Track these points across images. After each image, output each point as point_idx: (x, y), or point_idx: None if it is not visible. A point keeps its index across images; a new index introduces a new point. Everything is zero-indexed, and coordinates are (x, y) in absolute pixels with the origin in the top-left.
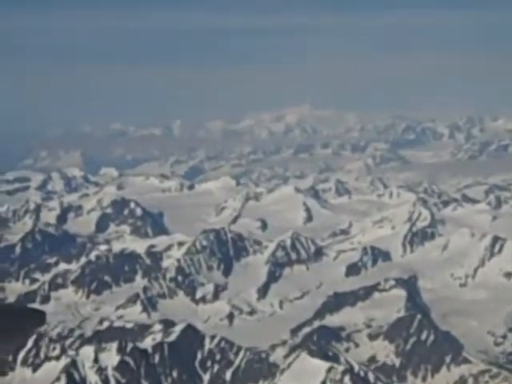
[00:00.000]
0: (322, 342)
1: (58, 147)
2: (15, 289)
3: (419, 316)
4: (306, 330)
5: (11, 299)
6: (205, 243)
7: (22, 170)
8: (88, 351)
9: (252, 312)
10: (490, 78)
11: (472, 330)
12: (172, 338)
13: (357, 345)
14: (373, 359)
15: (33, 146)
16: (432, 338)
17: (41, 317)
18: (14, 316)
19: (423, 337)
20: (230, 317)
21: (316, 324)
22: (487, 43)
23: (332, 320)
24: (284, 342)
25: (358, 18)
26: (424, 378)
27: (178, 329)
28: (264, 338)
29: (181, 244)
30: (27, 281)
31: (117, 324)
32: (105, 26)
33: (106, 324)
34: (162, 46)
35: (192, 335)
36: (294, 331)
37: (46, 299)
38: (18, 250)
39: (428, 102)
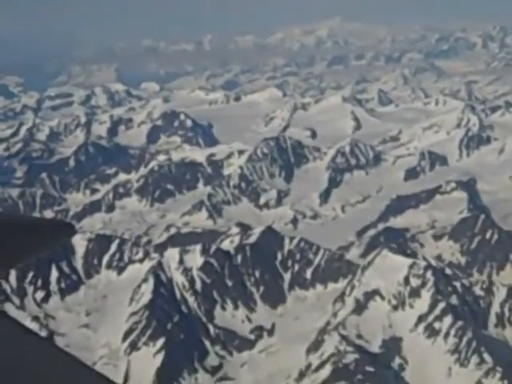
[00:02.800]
0: (389, 242)
1: (91, 64)
2: (76, 199)
3: (483, 216)
4: (371, 232)
5: (74, 210)
6: (266, 151)
7: (56, 87)
8: (173, 253)
9: (315, 216)
10: None
11: None
12: (252, 239)
13: (422, 245)
14: (439, 258)
15: (65, 63)
16: (496, 237)
17: (70, 229)
18: (42, 229)
19: (487, 236)
20: (294, 221)
21: (380, 226)
22: None
23: (396, 222)
24: (351, 244)
25: None
26: (489, 275)
27: (257, 231)
28: (331, 240)
29: (241, 152)
30: (87, 191)
31: (184, 230)
32: None
33: (172, 230)
34: None
35: (271, 236)
36: (360, 233)
37: (110, 208)
38: (71, 162)
39: (456, 12)
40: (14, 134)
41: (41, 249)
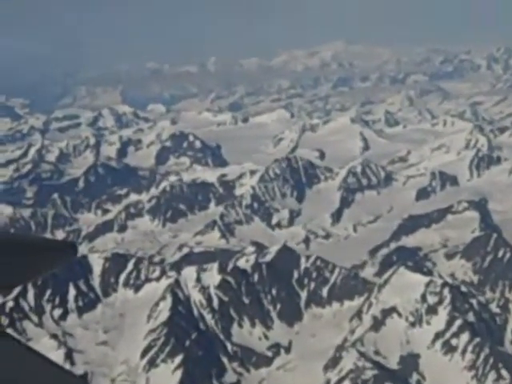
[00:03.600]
0: (401, 261)
1: (96, 86)
2: (88, 219)
3: (495, 235)
4: (384, 251)
5: (86, 230)
6: (277, 171)
7: (62, 108)
8: (190, 271)
9: (327, 236)
10: None
11: None
12: (268, 258)
13: (434, 264)
14: (452, 277)
15: (70, 85)
16: (508, 255)
17: (71, 250)
18: (46, 248)
19: (499, 255)
20: (306, 241)
21: (393, 245)
22: None
23: (408, 241)
24: (364, 263)
25: None
26: (502, 293)
27: (273, 249)
28: (343, 259)
29: (252, 172)
30: (99, 212)
31: (197, 249)
32: None
33: (185, 250)
34: None
35: (287, 255)
36: (372, 252)
37: (123, 228)
38: (81, 183)
39: (458, 35)
40: (23, 155)
41: (44, 268)
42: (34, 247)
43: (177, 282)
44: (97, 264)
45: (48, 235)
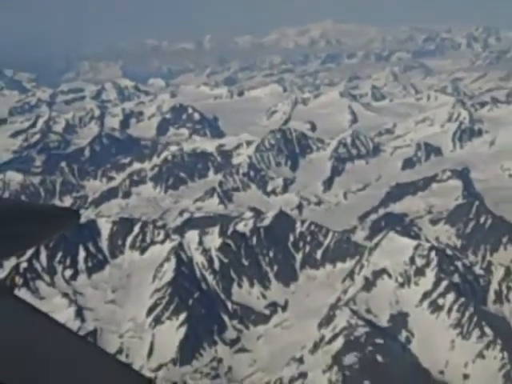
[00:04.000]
0: (389, 226)
1: (98, 61)
2: (94, 186)
3: (477, 202)
4: (373, 217)
5: (92, 196)
6: (272, 142)
7: (67, 82)
8: (192, 235)
9: (319, 202)
10: None
11: None
12: (266, 222)
13: (420, 229)
14: (436, 241)
15: (73, 61)
16: (489, 221)
17: (74, 216)
18: (50, 215)
19: (481, 221)
20: (300, 207)
21: (381, 212)
22: None
23: (395, 208)
24: (354, 227)
25: None
26: (484, 257)
27: (270, 215)
28: (334, 224)
29: (249, 143)
30: (104, 179)
31: (197, 214)
32: None
33: (186, 215)
34: None
35: (284, 220)
36: (362, 218)
37: (127, 194)
38: (87, 152)
39: (442, 14)
40: (32, 126)
41: (50, 232)
42: (39, 214)
43: (180, 244)
44: (105, 228)
45: (56, 201)
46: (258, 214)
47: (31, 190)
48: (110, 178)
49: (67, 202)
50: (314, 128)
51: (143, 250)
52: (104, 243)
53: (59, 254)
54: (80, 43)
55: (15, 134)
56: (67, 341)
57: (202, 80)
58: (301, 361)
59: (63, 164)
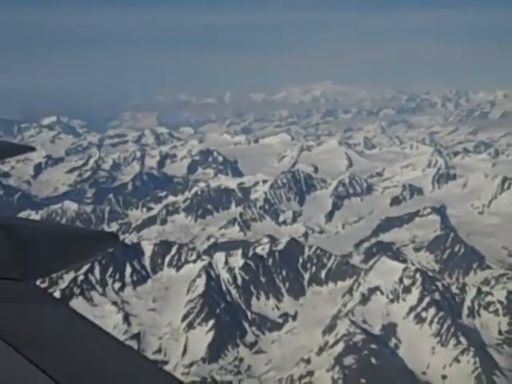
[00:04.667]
0: (380, 253)
1: (138, 112)
2: (136, 215)
3: (452, 234)
4: (366, 244)
5: (135, 223)
6: (284, 181)
7: (112, 129)
8: (220, 256)
9: (322, 231)
10: (466, 61)
11: (490, 245)
12: (280, 247)
13: (405, 255)
14: (419, 265)
15: (118, 111)
16: (462, 250)
17: (114, 239)
18: (95, 238)
19: (456, 249)
20: (306, 235)
21: (373, 240)
22: (467, 36)
23: (385, 237)
24: (350, 253)
25: (357, 16)
26: (457, 279)
27: (284, 240)
28: (334, 249)
29: (264, 181)
30: (144, 209)
31: (221, 240)
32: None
33: (212, 240)
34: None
35: (294, 245)
36: (357, 245)
37: (163, 222)
38: (130, 186)
39: (421, 79)
40: (84, 164)
41: (94, 252)
42: (86, 236)
43: (209, 264)
44: (147, 249)
45: (105, 226)
46: (273, 240)
47: (84, 217)
48: (149, 209)
49: (114, 227)
50: (316, 170)
51: (179, 268)
52: (147, 261)
53: (110, 270)
54: (123, 96)
55: (71, 171)
56: (109, 345)
57: (223, 129)
58: (308, 361)
59: (111, 195)
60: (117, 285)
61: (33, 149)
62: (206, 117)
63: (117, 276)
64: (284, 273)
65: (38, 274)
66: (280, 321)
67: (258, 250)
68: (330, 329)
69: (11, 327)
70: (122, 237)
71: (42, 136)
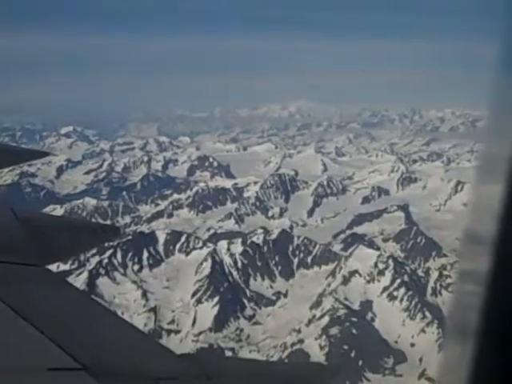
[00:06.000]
0: (354, 243)
1: (140, 123)
2: (145, 210)
3: (415, 228)
4: (342, 236)
5: (145, 216)
6: (272, 182)
7: (120, 137)
8: (223, 244)
9: (304, 225)
10: (419, 84)
11: (446, 237)
12: (273, 237)
13: (377, 244)
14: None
15: (124, 123)
16: (423, 241)
17: (116, 231)
18: (96, 230)
19: (418, 240)
20: (291, 228)
21: (348, 232)
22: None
23: (358, 230)
24: (329, 243)
25: (326, 44)
26: (419, 265)
27: (276, 231)
28: (316, 240)
29: (255, 183)
30: (153, 205)
31: (219, 231)
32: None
33: (211, 231)
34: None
35: (285, 235)
36: (335, 236)
37: (170, 216)
38: (138, 186)
39: (382, 98)
40: (99, 167)
41: (96, 243)
42: (91, 228)
43: (214, 250)
44: (161, 237)
45: (120, 219)
46: (266, 231)
47: (102, 211)
48: (157, 204)
49: (127, 220)
50: (297, 174)
51: (188, 253)
52: (160, 247)
53: (130, 254)
54: (127, 109)
55: (88, 172)
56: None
57: (215, 139)
58: (299, 331)
59: (124, 193)
60: (136, 267)
61: (47, 154)
62: (199, 128)
63: (135, 259)
64: (277, 258)
65: (50, 260)
66: (274, 298)
67: (255, 239)
68: (316, 305)
69: (29, 307)
70: (134, 228)
71: (60, 143)
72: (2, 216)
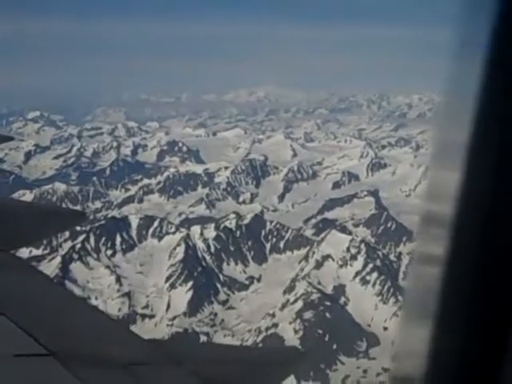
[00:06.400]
0: (325, 228)
1: (107, 108)
2: (116, 195)
3: (385, 213)
4: (313, 221)
5: (116, 201)
6: (243, 167)
7: (88, 123)
8: (196, 228)
9: (275, 210)
10: (387, 70)
11: (416, 222)
12: (245, 222)
13: (348, 229)
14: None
15: (90, 108)
16: (394, 226)
17: (82, 216)
18: (60, 215)
19: (388, 225)
20: (262, 213)
21: (319, 217)
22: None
23: (329, 215)
24: (301, 228)
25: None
26: (390, 248)
27: (249, 216)
28: (288, 224)
29: (226, 168)
30: (123, 190)
31: (191, 216)
32: None
33: (183, 216)
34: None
35: (258, 220)
36: (305, 221)
37: (140, 201)
38: (108, 171)
39: (349, 84)
40: (68, 152)
41: (63, 228)
42: (56, 213)
43: (187, 235)
44: (134, 222)
45: (90, 204)
46: (238, 216)
47: (72, 196)
48: (127, 189)
49: (98, 205)
50: (266, 159)
51: (161, 238)
52: (133, 232)
53: (103, 239)
54: (94, 94)
55: (56, 157)
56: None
57: (182, 124)
58: (273, 316)
59: (94, 178)
60: (109, 252)
61: (12, 138)
62: (166, 113)
63: (109, 244)
64: (249, 243)
65: (16, 244)
66: (247, 282)
67: (227, 224)
68: (290, 289)
69: None
70: (105, 213)
71: (28, 128)
72: None
